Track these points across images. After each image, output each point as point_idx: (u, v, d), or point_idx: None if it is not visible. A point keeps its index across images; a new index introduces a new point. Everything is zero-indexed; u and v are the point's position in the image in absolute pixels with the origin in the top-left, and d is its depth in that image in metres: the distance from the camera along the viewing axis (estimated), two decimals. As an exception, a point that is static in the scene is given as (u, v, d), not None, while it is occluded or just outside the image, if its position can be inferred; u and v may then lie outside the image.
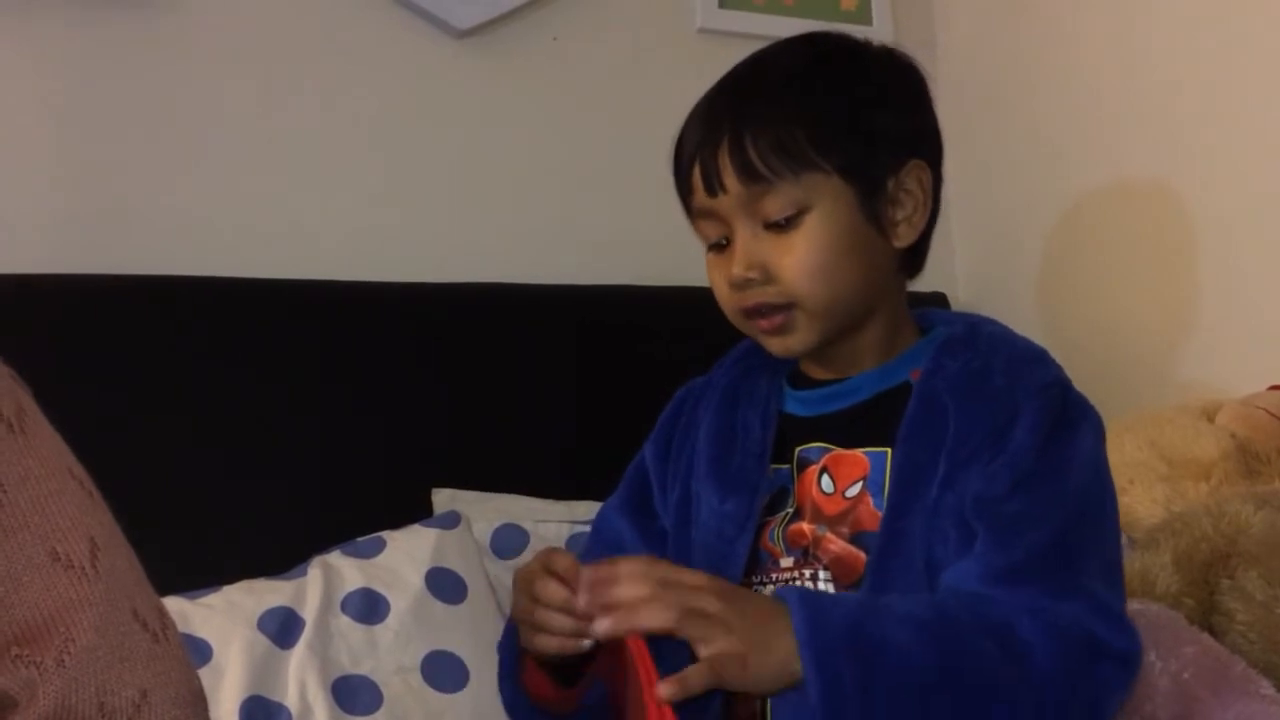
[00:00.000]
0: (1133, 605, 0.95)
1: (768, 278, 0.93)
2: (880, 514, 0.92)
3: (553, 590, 0.86)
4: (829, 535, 0.93)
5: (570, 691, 0.95)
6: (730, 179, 0.93)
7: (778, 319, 0.94)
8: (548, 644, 0.88)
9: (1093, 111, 1.86)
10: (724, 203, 0.94)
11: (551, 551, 0.90)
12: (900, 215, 0.96)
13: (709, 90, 0.99)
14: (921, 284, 1.05)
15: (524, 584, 0.90)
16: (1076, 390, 0.95)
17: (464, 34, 1.77)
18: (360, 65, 1.73)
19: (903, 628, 0.81)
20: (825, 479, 0.95)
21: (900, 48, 1.02)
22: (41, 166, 1.56)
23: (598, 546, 1.08)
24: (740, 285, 0.94)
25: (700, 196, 0.96)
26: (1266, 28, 1.62)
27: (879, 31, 1.95)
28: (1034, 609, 0.84)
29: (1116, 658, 0.86)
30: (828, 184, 0.93)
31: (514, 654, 0.97)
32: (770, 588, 0.94)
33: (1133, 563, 1.24)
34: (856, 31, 1.03)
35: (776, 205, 0.92)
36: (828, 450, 0.96)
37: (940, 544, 0.89)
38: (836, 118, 0.94)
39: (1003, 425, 0.91)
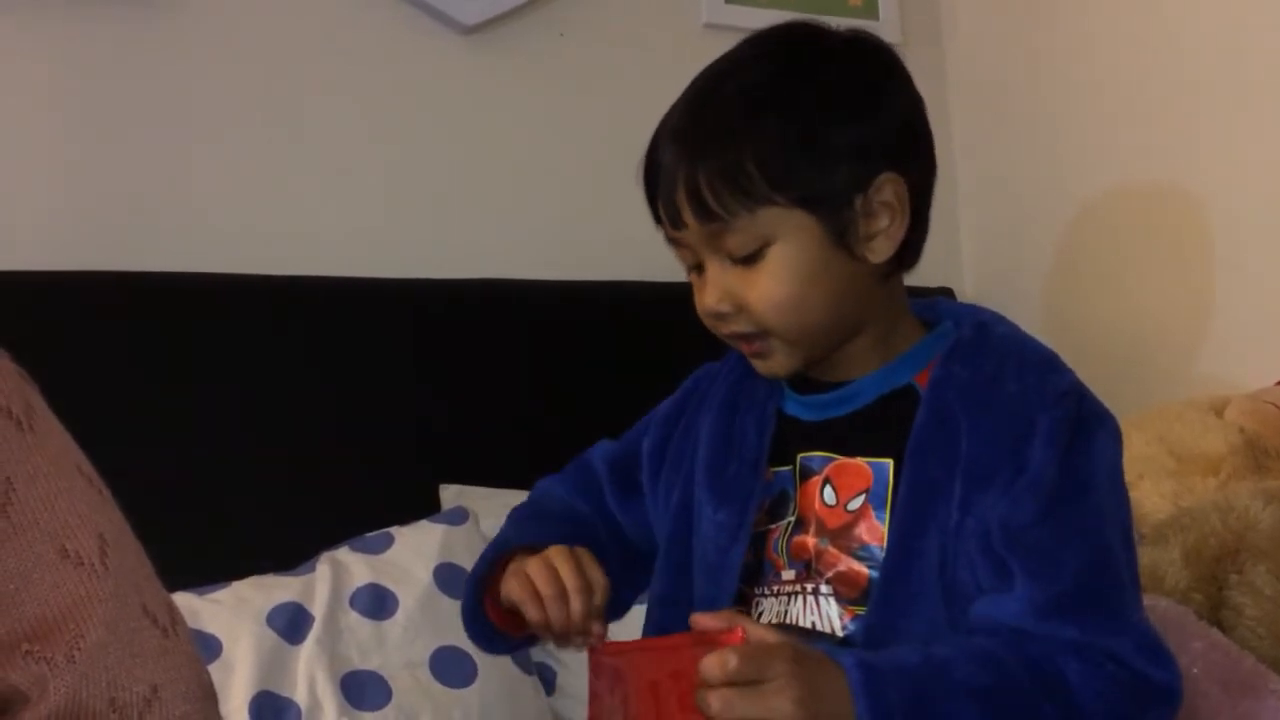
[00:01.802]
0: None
1: (739, 309, 0.92)
2: (882, 528, 0.90)
3: (577, 606, 0.88)
4: (831, 550, 0.92)
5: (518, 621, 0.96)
6: (688, 216, 0.91)
7: (756, 345, 0.93)
8: (532, 611, 0.90)
9: (1100, 107, 1.86)
10: (688, 236, 0.92)
11: (600, 580, 0.90)
12: (876, 229, 0.91)
13: (670, 110, 0.95)
14: (928, 279, 1.04)
15: (556, 566, 0.90)
16: (1091, 395, 0.93)
17: (469, 30, 1.77)
18: (366, 62, 1.73)
19: (963, 702, 0.81)
20: (828, 490, 0.94)
21: (906, 44, 0.99)
22: (46, 165, 1.56)
23: (581, 484, 1.08)
24: (714, 317, 0.93)
25: (667, 228, 0.94)
26: (1278, 27, 1.62)
27: (886, 27, 1.95)
28: (1081, 649, 0.84)
29: (1163, 698, 0.86)
30: (788, 217, 0.89)
31: (490, 569, 0.98)
32: (771, 600, 0.94)
33: (1141, 558, 1.23)
34: (862, 27, 0.98)
35: (737, 242, 0.90)
36: (830, 459, 0.95)
37: (965, 568, 0.88)
38: (790, 146, 0.89)
39: (1019, 441, 0.89)
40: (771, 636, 0.82)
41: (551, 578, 0.90)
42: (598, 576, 0.91)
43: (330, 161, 1.70)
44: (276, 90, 1.68)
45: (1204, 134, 1.71)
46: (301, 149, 1.68)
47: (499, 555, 0.98)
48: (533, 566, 0.91)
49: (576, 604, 0.89)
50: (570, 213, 1.83)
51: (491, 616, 0.98)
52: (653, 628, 1.01)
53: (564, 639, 0.91)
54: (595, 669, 0.91)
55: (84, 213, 1.57)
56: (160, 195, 1.61)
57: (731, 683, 0.78)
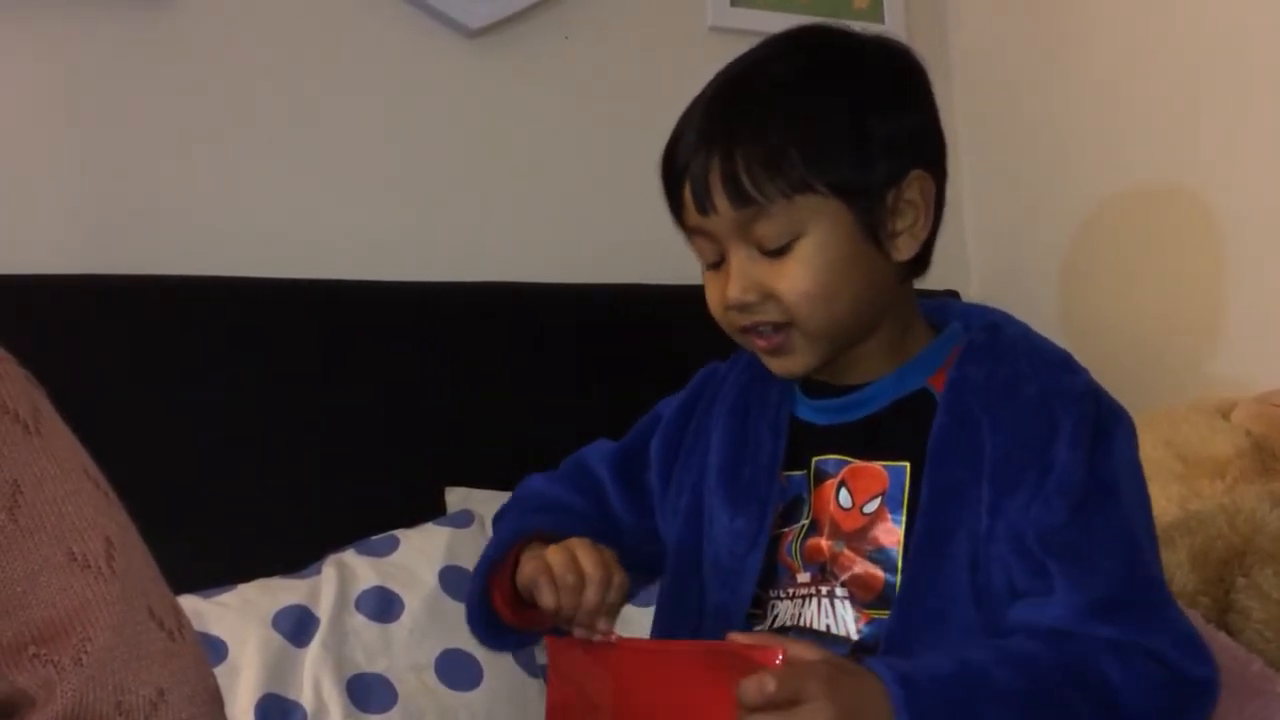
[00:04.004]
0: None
1: (765, 298, 0.91)
2: (898, 530, 0.90)
3: (591, 597, 0.87)
4: (847, 552, 0.92)
5: (525, 614, 0.96)
6: (721, 200, 0.89)
7: (776, 339, 0.92)
8: (545, 596, 0.89)
9: (1106, 109, 1.85)
10: (716, 223, 0.91)
11: (621, 579, 0.89)
12: (901, 226, 0.92)
13: (698, 98, 0.95)
14: (934, 282, 1.04)
15: (578, 555, 0.89)
16: (1107, 394, 0.94)
17: (475, 33, 1.78)
18: (371, 65, 1.73)
19: (1000, 707, 0.81)
20: (843, 493, 0.94)
21: (911, 45, 0.99)
22: (50, 168, 1.56)
23: (577, 485, 1.06)
24: (738, 308, 0.92)
25: (692, 215, 0.92)
26: (1283, 25, 1.61)
27: (891, 29, 1.95)
28: (1121, 648, 0.84)
29: (1202, 692, 0.86)
30: (823, 205, 0.89)
31: (500, 556, 0.97)
32: (786, 603, 0.94)
33: (1148, 561, 1.23)
34: (868, 30, 0.99)
35: (770, 230, 0.89)
36: (845, 463, 0.94)
37: (999, 572, 0.88)
38: (832, 133, 0.89)
39: (1043, 442, 0.89)
40: (810, 654, 0.81)
41: (572, 565, 0.89)
42: (619, 575, 0.90)
43: (335, 164, 1.70)
44: (280, 93, 1.68)
45: (1212, 133, 1.71)
46: (306, 152, 1.68)
47: (513, 543, 0.97)
48: (554, 553, 0.90)
49: (592, 595, 0.88)
50: (576, 215, 1.83)
51: (498, 608, 0.98)
52: (660, 630, 1.01)
53: (569, 625, 0.90)
54: (564, 655, 0.91)
55: (88, 216, 1.57)
56: (163, 199, 1.61)
57: (769, 706, 0.77)
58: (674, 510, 1.02)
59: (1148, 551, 0.90)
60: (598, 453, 1.08)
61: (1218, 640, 1.14)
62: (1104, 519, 0.88)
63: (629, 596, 1.02)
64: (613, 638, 0.89)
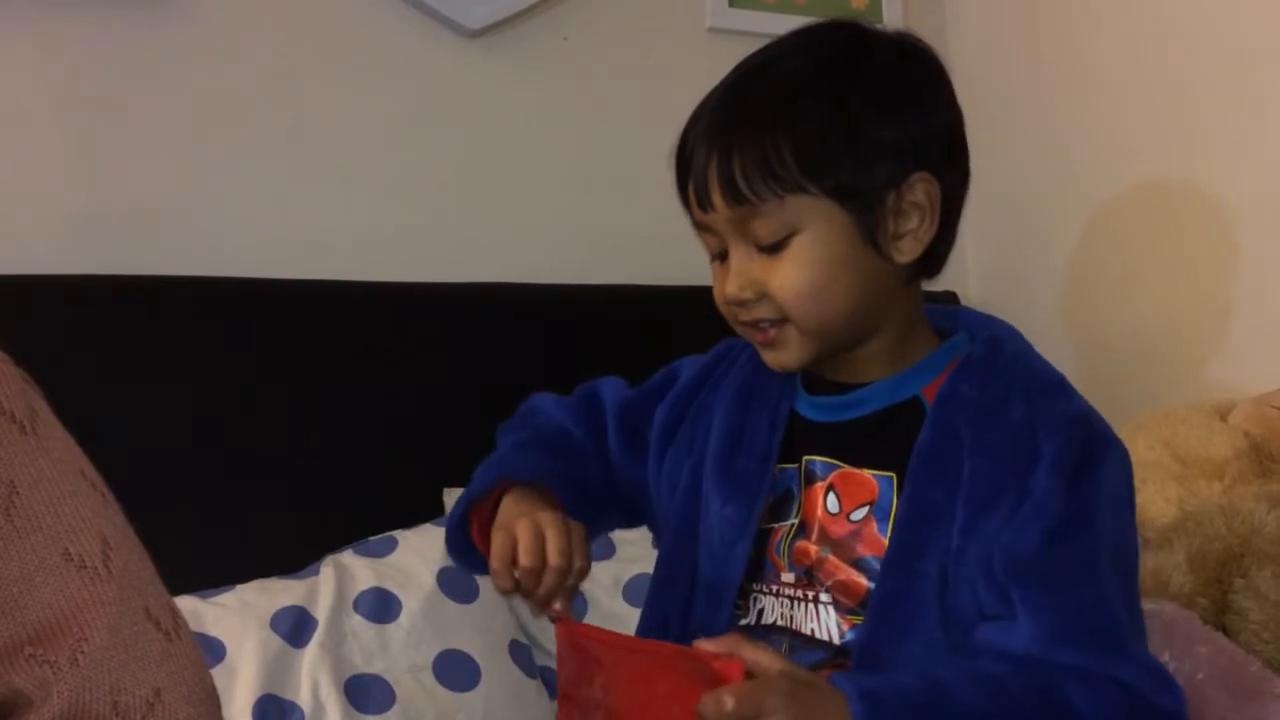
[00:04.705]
0: (1146, 605, 0.94)
1: (760, 296, 0.92)
2: (883, 540, 0.91)
3: (549, 583, 0.89)
4: (832, 558, 0.92)
5: None
6: (718, 198, 0.90)
7: (771, 333, 0.93)
8: (500, 581, 0.91)
9: (1105, 110, 1.86)
10: (715, 219, 0.92)
11: (582, 565, 0.91)
12: (904, 229, 0.91)
13: (708, 95, 0.96)
14: (933, 283, 1.04)
15: (546, 538, 0.90)
16: (1100, 421, 0.93)
17: (475, 34, 1.78)
18: (372, 66, 1.73)
19: None
20: (831, 498, 0.94)
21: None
22: (52, 168, 1.56)
23: (581, 417, 1.08)
24: (735, 304, 0.93)
25: (695, 210, 0.94)
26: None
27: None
28: (1086, 674, 0.84)
29: None
30: (817, 206, 0.89)
31: (486, 492, 0.98)
32: (771, 599, 0.94)
33: (1146, 562, 1.23)
34: (888, 29, 0.98)
35: (764, 229, 0.90)
36: (834, 467, 0.95)
37: (966, 593, 0.88)
38: (829, 136, 0.89)
39: (1023, 467, 0.89)
40: (773, 664, 0.80)
41: (536, 549, 0.90)
42: (580, 563, 0.91)
43: (335, 165, 1.70)
44: (280, 94, 1.68)
45: (1212, 135, 1.71)
46: (306, 152, 1.69)
47: (497, 484, 0.99)
48: (523, 530, 0.91)
49: (549, 581, 0.89)
50: (575, 215, 1.83)
51: (474, 536, 0.99)
52: (653, 609, 1.02)
53: (525, 600, 0.93)
54: (570, 645, 0.92)
55: (88, 216, 1.58)
56: (163, 199, 1.61)
57: None
58: (671, 487, 1.03)
59: (1120, 583, 0.88)
60: (610, 391, 1.09)
61: (1215, 641, 1.14)
62: (1077, 551, 0.87)
63: (594, 535, 1.02)
64: (564, 617, 0.91)
